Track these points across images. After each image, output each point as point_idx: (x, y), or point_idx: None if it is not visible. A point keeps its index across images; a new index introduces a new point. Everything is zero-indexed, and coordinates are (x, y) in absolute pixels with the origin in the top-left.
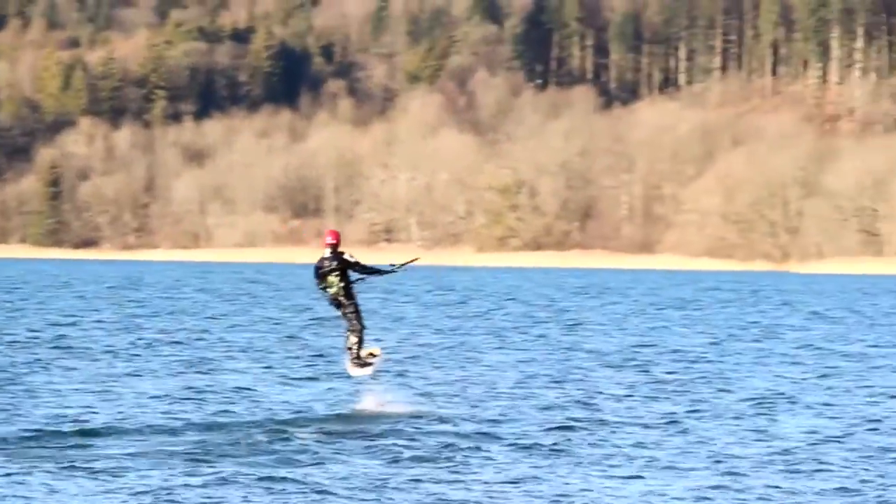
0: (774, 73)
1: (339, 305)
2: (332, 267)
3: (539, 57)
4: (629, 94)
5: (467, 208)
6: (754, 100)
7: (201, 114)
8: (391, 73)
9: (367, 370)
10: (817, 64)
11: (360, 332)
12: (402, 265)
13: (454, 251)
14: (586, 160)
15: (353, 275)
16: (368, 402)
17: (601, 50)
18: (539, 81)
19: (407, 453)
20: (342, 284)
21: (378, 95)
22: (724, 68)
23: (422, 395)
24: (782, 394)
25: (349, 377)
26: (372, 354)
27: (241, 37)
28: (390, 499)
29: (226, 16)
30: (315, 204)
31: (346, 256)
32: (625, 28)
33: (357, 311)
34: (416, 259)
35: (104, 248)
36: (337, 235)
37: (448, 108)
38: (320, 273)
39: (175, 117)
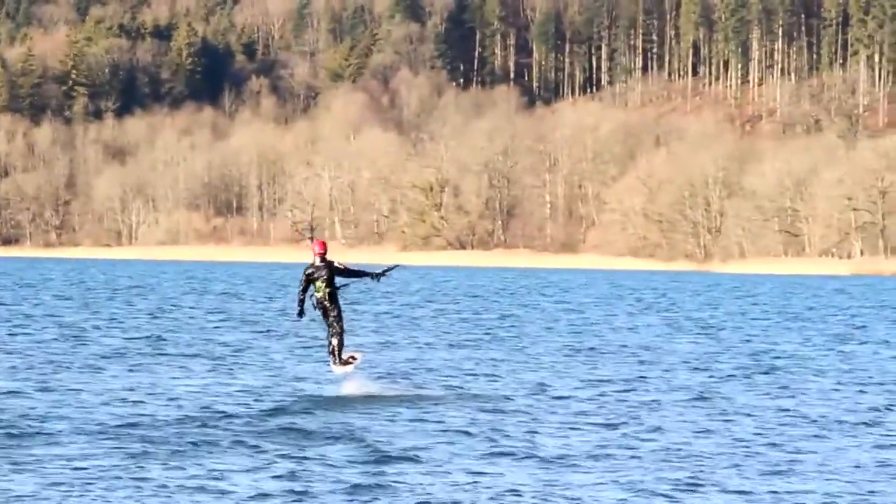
0: (695, 73)
1: (323, 310)
2: (321, 274)
3: (462, 56)
4: (551, 93)
5: (391, 207)
6: (675, 100)
7: (123, 111)
8: (314, 71)
9: (349, 368)
10: (738, 65)
11: (340, 335)
12: (384, 272)
13: (378, 250)
14: (509, 159)
15: (339, 281)
16: (350, 388)
17: (523, 49)
18: (462, 81)
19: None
20: (328, 290)
21: (301, 93)
22: (645, 68)
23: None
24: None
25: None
26: (353, 357)
27: (162, 34)
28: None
29: (147, 13)
30: (238, 202)
31: (335, 264)
32: (547, 28)
33: (339, 316)
34: (397, 266)
35: (26, 246)
36: (324, 246)
37: (371, 106)
38: (309, 279)
39: (96, 114)
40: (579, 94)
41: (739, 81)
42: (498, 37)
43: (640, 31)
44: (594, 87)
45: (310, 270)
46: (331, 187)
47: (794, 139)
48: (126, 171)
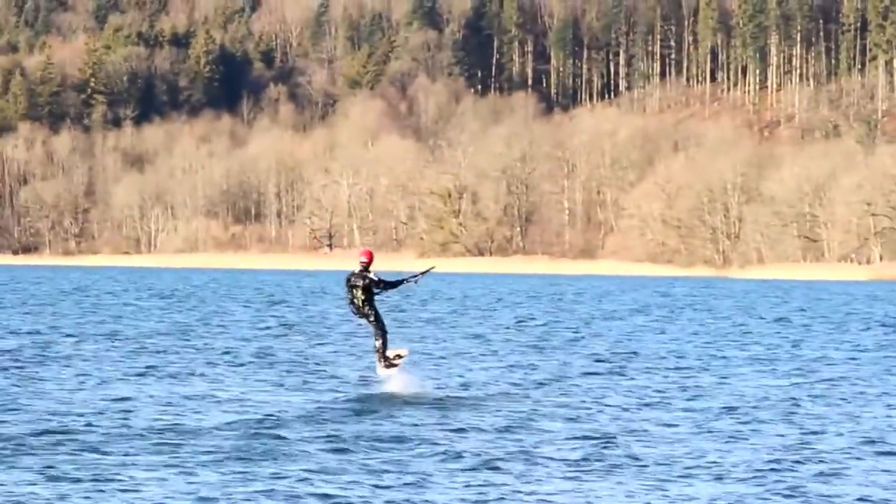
0: (713, 79)
1: (363, 315)
2: (358, 283)
3: (479, 63)
4: (569, 99)
5: (409, 214)
6: (693, 105)
7: (141, 119)
8: (331, 78)
9: (393, 370)
10: (756, 70)
11: (383, 335)
12: (419, 276)
13: (396, 257)
14: (527, 166)
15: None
16: (396, 386)
17: (541, 56)
18: (479, 87)
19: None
20: (363, 297)
21: (318, 100)
22: (663, 74)
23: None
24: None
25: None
26: (398, 356)
27: (180, 41)
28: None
29: (165, 20)
30: (256, 209)
31: (371, 276)
32: (564, 34)
33: (377, 318)
34: (432, 268)
35: (45, 254)
36: (370, 256)
37: (389, 113)
38: (348, 285)
39: (115, 122)
40: (597, 100)
41: (758, 87)
42: (515, 43)
43: (658, 36)
44: (612, 93)
45: (350, 278)
46: (349, 194)
47: (812, 145)
48: (145, 178)
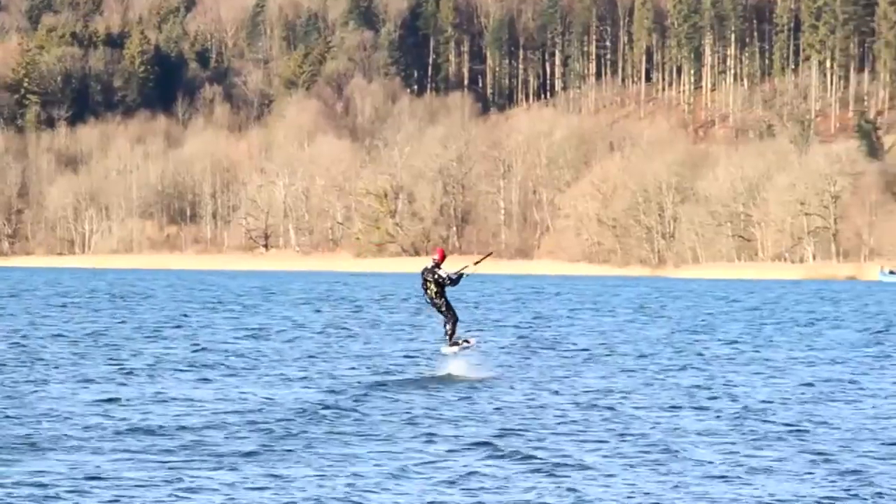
0: (648, 79)
1: (434, 305)
2: (430, 278)
3: (415, 63)
4: (505, 99)
5: (345, 214)
6: (629, 106)
7: (75, 119)
8: (267, 78)
9: (456, 349)
10: (690, 70)
11: (453, 322)
12: (478, 261)
13: (332, 257)
14: (463, 166)
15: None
16: (454, 369)
17: (477, 56)
18: (416, 87)
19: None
20: (435, 290)
21: (254, 101)
22: (599, 74)
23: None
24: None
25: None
26: (466, 341)
27: (115, 42)
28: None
29: (99, 21)
30: (192, 210)
31: (440, 273)
32: (500, 34)
33: (448, 307)
34: (490, 254)
35: None
36: (442, 254)
37: (325, 113)
38: (423, 279)
39: (49, 123)
40: (533, 101)
41: (692, 87)
42: (452, 43)
43: (594, 37)
44: (548, 94)
45: (424, 273)
46: (285, 195)
47: (746, 144)
48: (79, 179)
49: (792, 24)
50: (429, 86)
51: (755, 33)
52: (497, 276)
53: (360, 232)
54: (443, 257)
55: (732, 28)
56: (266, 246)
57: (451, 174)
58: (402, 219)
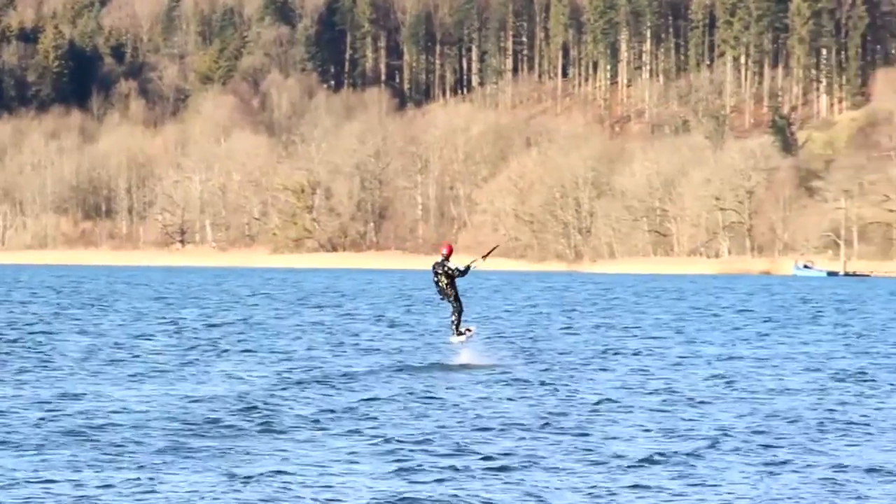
0: (565, 74)
1: (444, 295)
2: (440, 271)
3: (332, 58)
4: (422, 95)
5: (262, 209)
6: (546, 101)
7: None
8: (183, 73)
9: (463, 338)
10: (606, 66)
11: (458, 312)
12: (487, 255)
13: (249, 253)
14: (380, 161)
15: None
16: (463, 358)
17: (394, 51)
18: (332, 83)
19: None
20: (446, 282)
21: (170, 96)
22: (515, 70)
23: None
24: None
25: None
26: (469, 330)
27: (28, 36)
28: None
29: (12, 15)
30: (107, 205)
31: (450, 266)
32: (417, 30)
33: (456, 298)
34: (496, 247)
35: None
36: (450, 249)
37: (241, 109)
38: (434, 272)
39: None
40: (450, 96)
41: (608, 82)
42: (368, 39)
43: (510, 32)
44: (465, 89)
45: (435, 266)
46: (201, 190)
47: (662, 140)
48: None
49: (707, 20)
50: (346, 81)
51: (671, 29)
52: (412, 272)
53: (277, 227)
54: (450, 251)
55: (648, 24)
56: (182, 242)
57: (369, 169)
58: (319, 214)
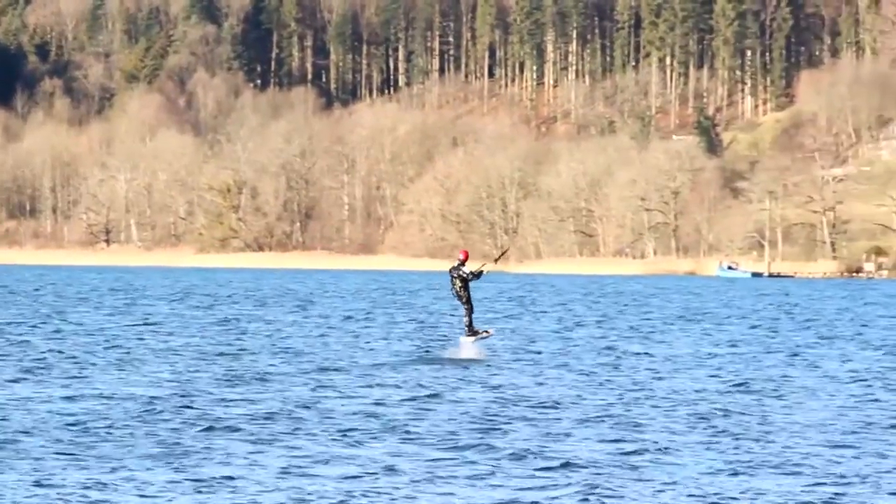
0: (492, 75)
1: (459, 298)
2: (456, 276)
3: (259, 57)
4: (349, 94)
5: (188, 209)
6: (472, 101)
7: None
8: (108, 72)
9: (474, 338)
10: (533, 66)
11: (470, 313)
12: (497, 258)
13: (175, 252)
14: (307, 161)
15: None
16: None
17: (321, 51)
18: (259, 82)
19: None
20: (460, 285)
21: (95, 95)
22: (442, 70)
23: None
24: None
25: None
26: (486, 331)
27: None
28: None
29: None
30: (31, 204)
31: (465, 270)
32: (344, 29)
33: (469, 301)
34: (507, 249)
35: None
36: (466, 255)
37: (167, 108)
38: (450, 276)
39: None
40: (377, 96)
41: (535, 83)
42: (295, 38)
43: (437, 32)
44: (392, 89)
45: (451, 271)
46: (126, 189)
47: (588, 140)
48: None
49: (633, 22)
50: (272, 80)
51: (597, 30)
52: (339, 271)
53: (202, 227)
54: (466, 257)
55: (574, 25)
56: (107, 241)
57: (295, 169)
58: (245, 214)
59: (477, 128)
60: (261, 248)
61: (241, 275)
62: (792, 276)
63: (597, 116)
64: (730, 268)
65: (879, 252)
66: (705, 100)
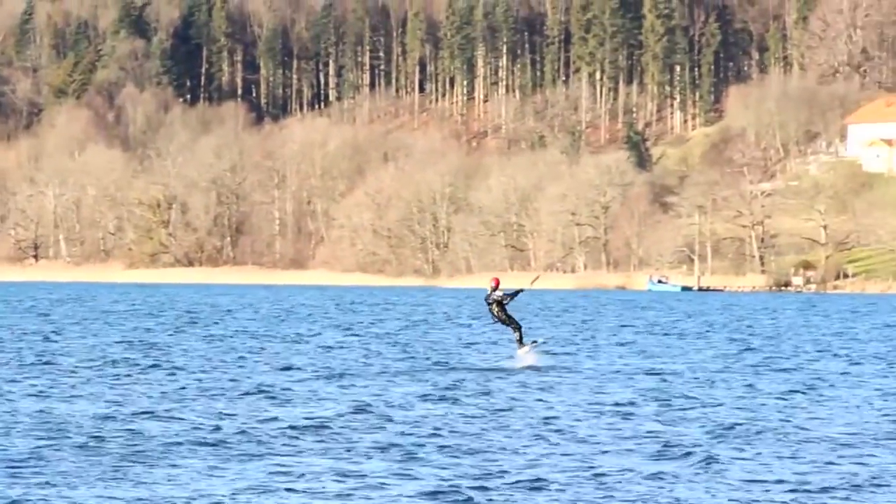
0: (422, 90)
1: (501, 321)
2: (491, 301)
3: (188, 72)
4: (279, 109)
5: (117, 224)
6: (403, 116)
7: None
8: (36, 87)
9: (528, 349)
10: (463, 81)
11: (519, 329)
12: (532, 282)
13: (104, 268)
14: (237, 176)
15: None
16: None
17: (251, 65)
18: (188, 97)
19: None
20: (498, 310)
21: (23, 109)
22: (372, 85)
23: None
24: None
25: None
26: (535, 341)
27: None
28: None
29: None
30: None
31: (500, 295)
32: (274, 44)
33: (512, 321)
34: (538, 277)
35: None
36: (498, 282)
37: (96, 122)
38: (487, 303)
39: None
40: (307, 111)
41: (465, 98)
42: (225, 53)
43: (367, 47)
44: (322, 104)
45: (487, 298)
46: (55, 205)
47: (518, 155)
48: None
49: (562, 37)
50: (202, 95)
51: (527, 45)
52: (271, 286)
53: (132, 242)
54: (497, 284)
55: (504, 40)
56: (36, 257)
57: (225, 184)
58: (175, 229)
59: (408, 143)
60: (191, 264)
61: (164, 290)
62: (721, 290)
63: (527, 131)
64: (660, 282)
65: (807, 266)
66: (635, 115)
